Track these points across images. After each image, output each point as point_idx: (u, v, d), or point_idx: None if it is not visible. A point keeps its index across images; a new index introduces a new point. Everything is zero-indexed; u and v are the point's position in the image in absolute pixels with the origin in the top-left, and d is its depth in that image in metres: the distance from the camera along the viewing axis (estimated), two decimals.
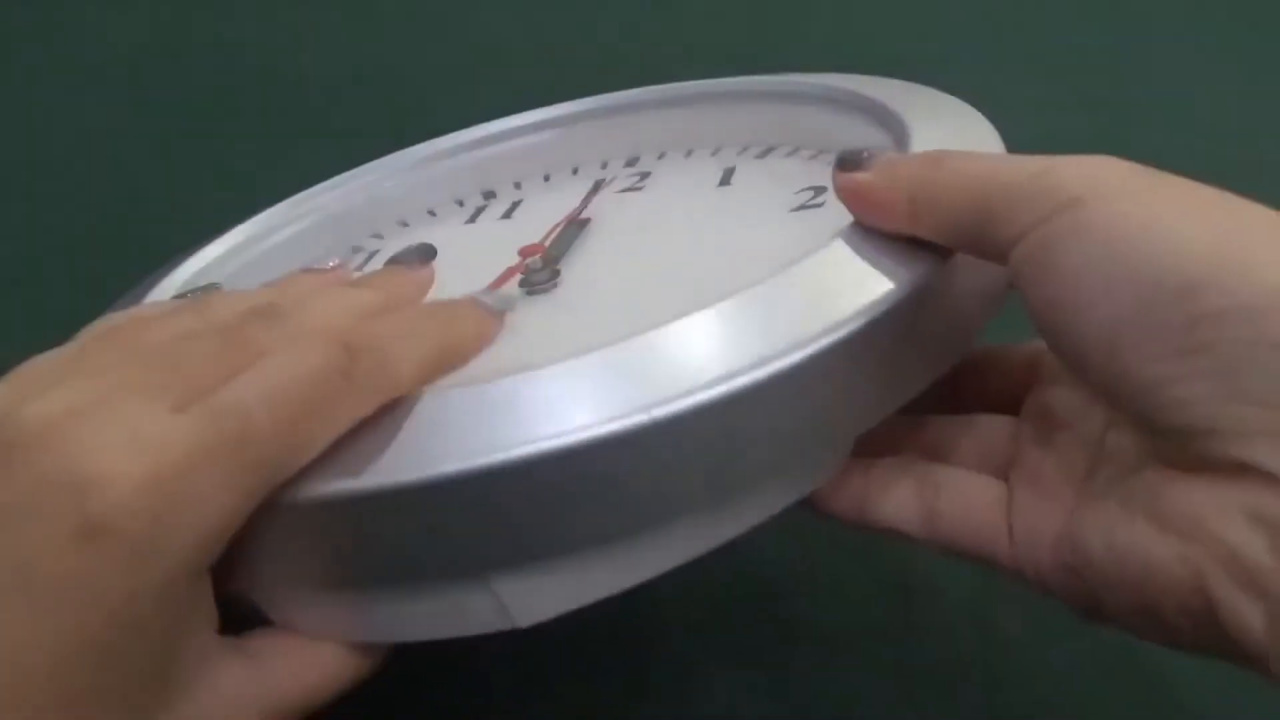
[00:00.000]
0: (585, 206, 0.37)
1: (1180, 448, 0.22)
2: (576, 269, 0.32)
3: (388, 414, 0.23)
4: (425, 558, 0.23)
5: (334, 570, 0.24)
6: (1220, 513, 0.21)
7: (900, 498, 0.28)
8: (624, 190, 0.38)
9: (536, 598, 0.24)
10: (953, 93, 0.35)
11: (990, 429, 0.29)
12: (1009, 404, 0.29)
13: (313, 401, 0.22)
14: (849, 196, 0.27)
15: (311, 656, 0.25)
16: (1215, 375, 0.20)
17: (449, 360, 0.26)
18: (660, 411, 0.22)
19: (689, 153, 0.41)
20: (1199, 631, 0.21)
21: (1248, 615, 0.20)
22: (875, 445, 0.28)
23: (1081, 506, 0.25)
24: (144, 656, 0.22)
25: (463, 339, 0.27)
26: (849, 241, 0.26)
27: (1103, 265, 0.22)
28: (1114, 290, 0.21)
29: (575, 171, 0.42)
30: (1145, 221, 0.22)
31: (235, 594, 0.24)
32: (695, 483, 0.23)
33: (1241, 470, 0.20)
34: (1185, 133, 0.51)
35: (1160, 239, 0.21)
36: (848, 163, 0.27)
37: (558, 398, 0.22)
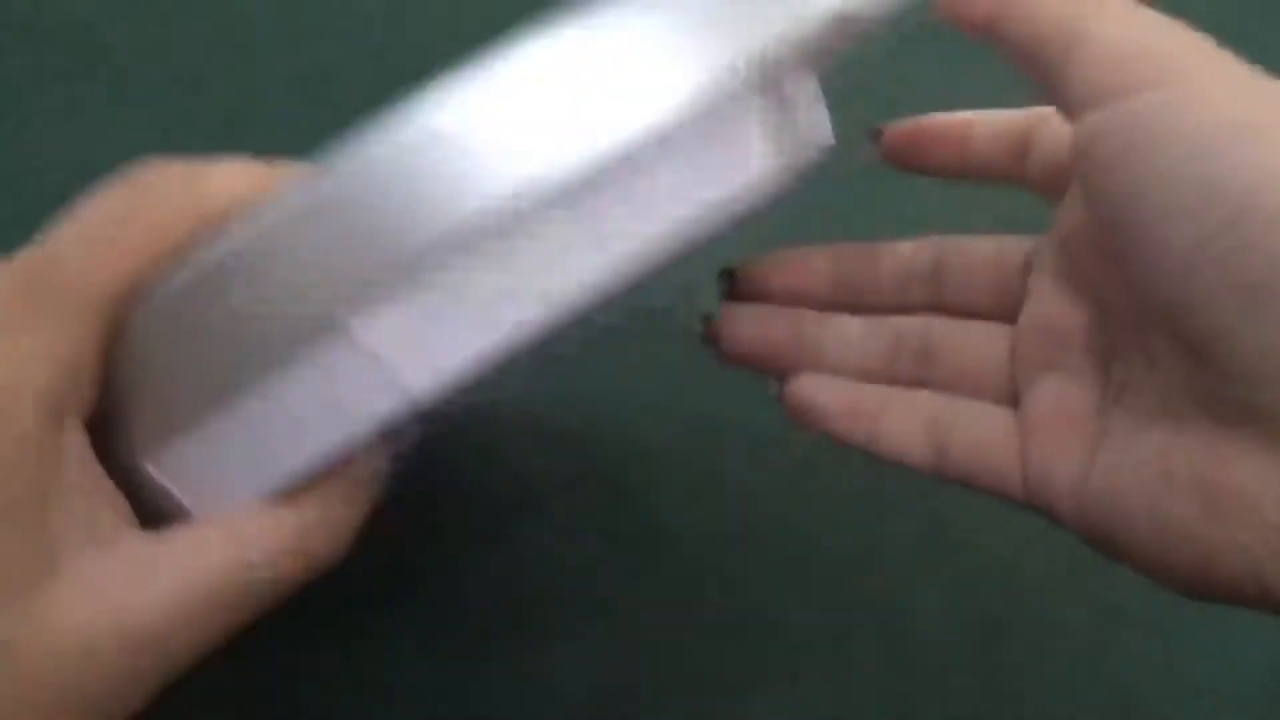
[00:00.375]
0: None
1: (1245, 401, 0.19)
2: None
3: None
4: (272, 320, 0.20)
5: (190, 386, 0.21)
6: (1262, 480, 0.19)
7: (909, 432, 0.25)
8: None
9: (418, 350, 0.20)
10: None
11: (988, 343, 0.26)
12: (1006, 309, 0.26)
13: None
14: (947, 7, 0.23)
15: (227, 528, 0.21)
16: (1257, 261, 0.18)
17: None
18: None
19: None
20: (1248, 602, 0.20)
21: None
22: (871, 355, 0.27)
23: (1105, 453, 0.22)
24: (11, 529, 0.19)
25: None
26: None
27: (1186, 171, 0.19)
28: (1199, 205, 0.19)
29: None
30: (1237, 122, 0.19)
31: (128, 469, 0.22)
32: None
33: None
34: None
35: (1256, 148, 0.19)
36: None
37: None
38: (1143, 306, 0.22)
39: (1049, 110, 0.25)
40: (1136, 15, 0.21)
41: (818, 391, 0.26)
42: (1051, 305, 0.25)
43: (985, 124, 0.26)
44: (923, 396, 0.26)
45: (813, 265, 0.28)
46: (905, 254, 0.27)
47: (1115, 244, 0.21)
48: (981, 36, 0.23)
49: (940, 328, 0.27)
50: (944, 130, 0.27)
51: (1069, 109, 0.22)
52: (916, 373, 0.26)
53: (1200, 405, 0.20)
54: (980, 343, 0.26)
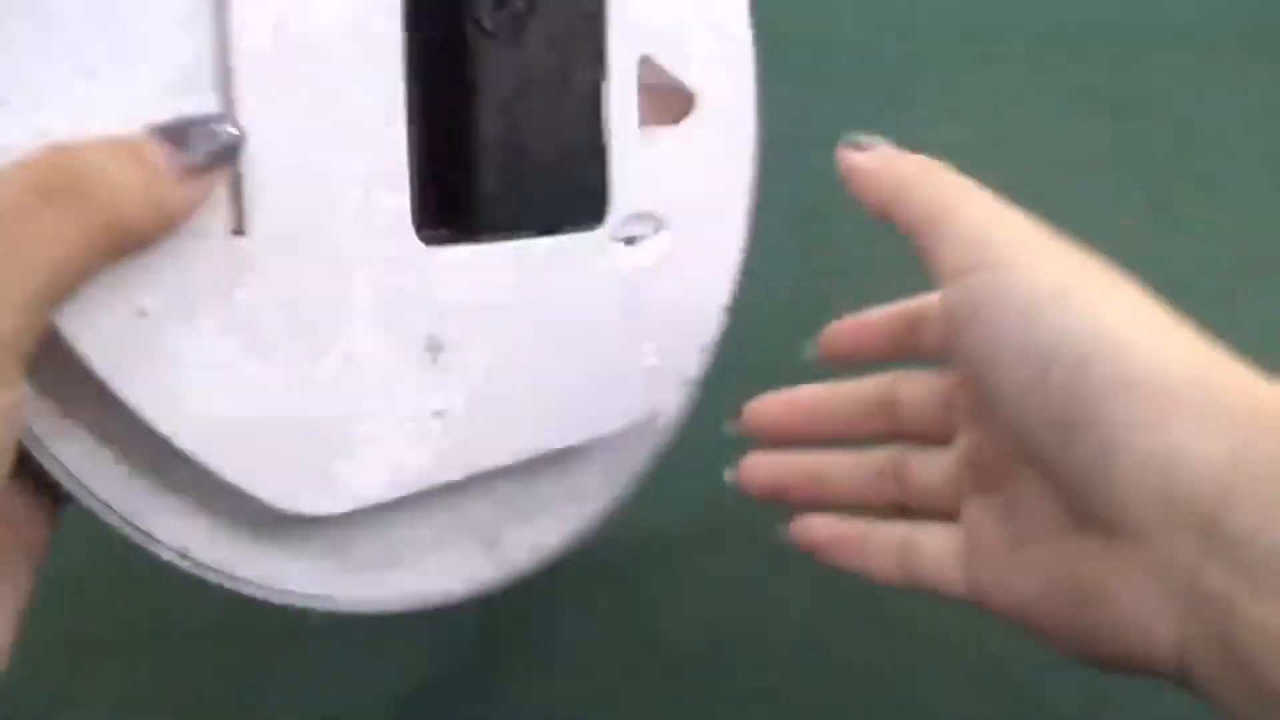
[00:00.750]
0: None
1: (1082, 513, 0.25)
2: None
3: None
4: None
5: None
6: (1126, 577, 0.24)
7: (884, 553, 0.32)
8: None
9: None
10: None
11: (929, 471, 0.32)
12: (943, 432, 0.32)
13: None
14: (846, 172, 0.30)
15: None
16: (1098, 449, 0.24)
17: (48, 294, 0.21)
18: None
19: None
20: (1152, 676, 0.24)
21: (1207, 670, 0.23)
22: (862, 483, 0.33)
23: (1014, 563, 0.28)
24: None
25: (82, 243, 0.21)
26: None
27: (1011, 331, 0.25)
28: (1021, 356, 0.25)
29: None
30: (1051, 291, 0.25)
31: None
32: None
33: (1138, 537, 0.23)
34: (1185, 133, 0.51)
35: (1060, 311, 0.25)
36: (852, 143, 0.31)
37: None
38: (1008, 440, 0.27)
39: (933, 296, 0.32)
40: (986, 207, 0.28)
41: (813, 529, 0.33)
42: (967, 437, 0.31)
43: (878, 315, 0.34)
44: (894, 525, 0.32)
45: (795, 405, 0.35)
46: (866, 391, 0.34)
47: (977, 392, 0.27)
48: (881, 218, 0.30)
49: (907, 456, 0.33)
50: (850, 334, 0.34)
51: (939, 281, 0.28)
52: (897, 495, 0.33)
53: (1063, 519, 0.26)
54: (936, 468, 0.32)
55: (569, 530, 0.34)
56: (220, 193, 0.23)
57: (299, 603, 0.28)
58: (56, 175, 0.20)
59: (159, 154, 0.22)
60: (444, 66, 0.27)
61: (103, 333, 0.22)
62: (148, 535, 0.25)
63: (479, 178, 0.28)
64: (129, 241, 0.21)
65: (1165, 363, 0.23)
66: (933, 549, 0.31)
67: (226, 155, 0.23)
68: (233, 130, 0.23)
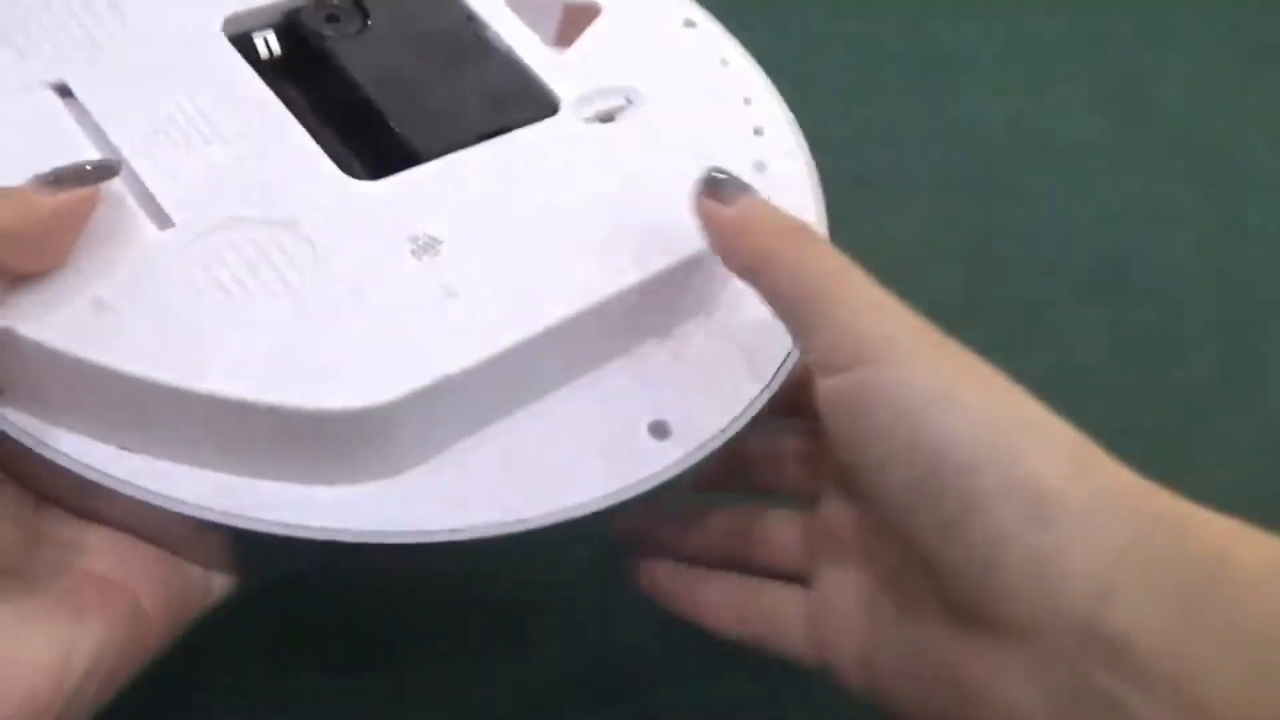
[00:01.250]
0: None
1: (961, 604, 0.25)
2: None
3: None
4: None
5: None
6: (1006, 675, 0.24)
7: (722, 606, 0.31)
8: None
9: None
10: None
11: (783, 531, 0.31)
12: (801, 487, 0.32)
13: None
14: (704, 223, 0.29)
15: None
16: (982, 547, 0.24)
17: None
18: None
19: None
20: None
21: None
22: (692, 541, 0.32)
23: (876, 638, 0.28)
24: None
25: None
26: None
27: (896, 433, 0.25)
28: (907, 457, 0.25)
29: None
30: (934, 394, 0.25)
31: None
32: None
33: (1021, 635, 0.24)
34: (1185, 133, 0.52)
35: (946, 415, 0.24)
36: (713, 187, 0.29)
37: None
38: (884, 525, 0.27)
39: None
40: (860, 296, 0.26)
41: (656, 573, 0.33)
42: (833, 506, 0.30)
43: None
44: (732, 578, 0.32)
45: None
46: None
47: (855, 479, 0.27)
48: (739, 275, 0.28)
49: (761, 512, 0.32)
50: None
51: (812, 365, 0.27)
52: (746, 554, 0.32)
53: (938, 607, 0.26)
54: (789, 530, 0.31)
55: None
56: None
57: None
58: None
59: (18, 184, 0.24)
60: (316, 70, 0.32)
61: (75, 326, 0.24)
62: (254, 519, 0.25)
63: (389, 120, 0.31)
64: (19, 248, 0.23)
65: (1052, 465, 0.24)
66: (772, 606, 0.30)
67: (83, 175, 0.25)
68: (105, 163, 0.26)
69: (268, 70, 0.31)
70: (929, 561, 0.25)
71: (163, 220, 0.27)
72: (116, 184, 0.26)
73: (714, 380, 0.30)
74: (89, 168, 0.25)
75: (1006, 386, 0.25)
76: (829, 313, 0.26)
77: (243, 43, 0.31)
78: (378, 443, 0.26)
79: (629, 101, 0.34)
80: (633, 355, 0.30)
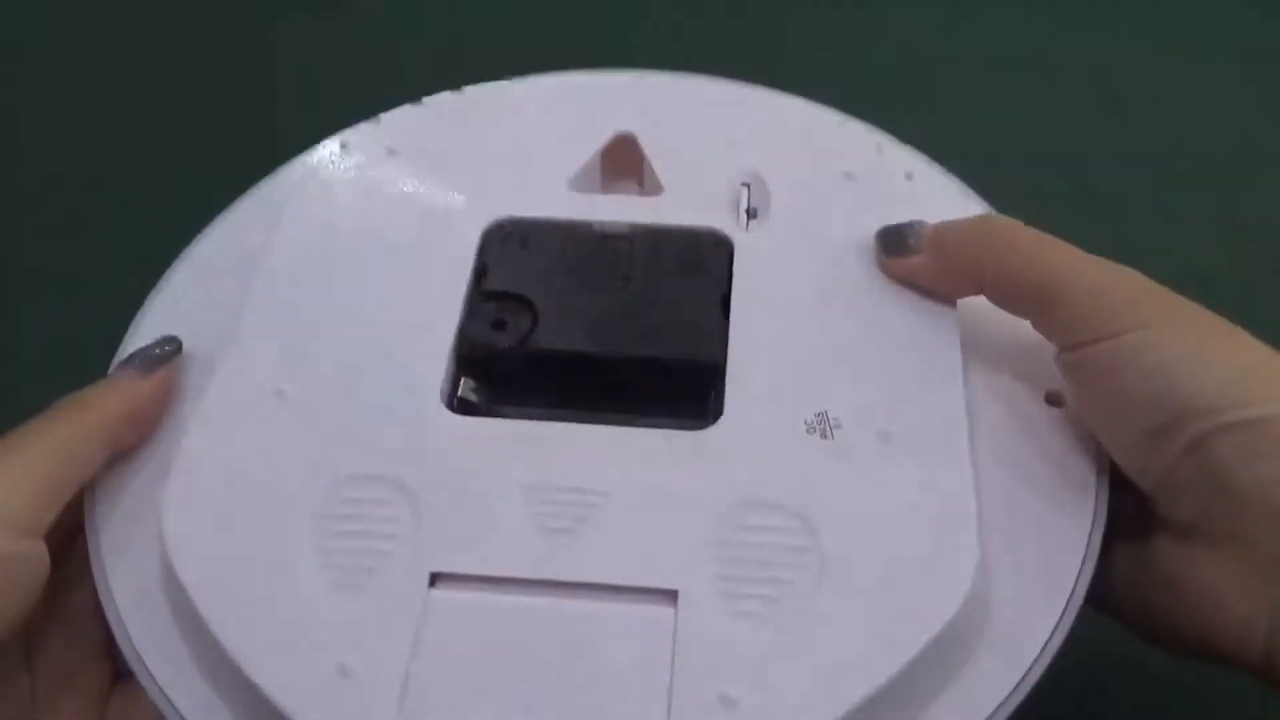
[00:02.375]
0: None
1: (1186, 528, 0.27)
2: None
3: None
4: None
5: None
6: (1227, 576, 0.26)
7: None
8: None
9: None
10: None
11: None
12: None
13: None
14: (904, 278, 0.31)
15: None
16: (1212, 472, 0.26)
17: (67, 473, 0.28)
18: None
19: None
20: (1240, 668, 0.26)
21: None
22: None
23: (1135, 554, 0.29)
24: None
25: (85, 434, 0.28)
26: None
27: (1138, 390, 0.27)
28: (1145, 411, 0.27)
29: None
30: (1181, 353, 0.26)
31: None
32: None
33: (1246, 541, 0.26)
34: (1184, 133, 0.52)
35: (1194, 371, 0.26)
36: (893, 246, 0.31)
37: None
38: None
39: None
40: (1100, 270, 0.28)
41: None
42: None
43: None
44: None
45: None
46: None
47: (1094, 427, 0.29)
48: (977, 293, 0.30)
49: None
50: None
51: (1054, 344, 0.28)
52: None
53: (1153, 521, 0.28)
54: None
55: None
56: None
57: None
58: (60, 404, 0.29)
59: (116, 373, 0.30)
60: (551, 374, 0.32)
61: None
62: None
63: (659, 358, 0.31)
64: (110, 427, 0.29)
65: None
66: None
67: (161, 357, 0.31)
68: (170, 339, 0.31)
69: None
70: (1156, 498, 0.27)
71: None
72: None
73: None
74: (159, 351, 0.31)
75: (1252, 345, 0.27)
76: (1071, 290, 0.28)
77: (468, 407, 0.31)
78: None
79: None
80: None
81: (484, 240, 0.33)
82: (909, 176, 0.34)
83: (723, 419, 0.29)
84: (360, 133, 0.36)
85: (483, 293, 0.32)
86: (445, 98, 0.37)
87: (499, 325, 0.31)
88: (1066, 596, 0.27)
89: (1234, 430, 0.25)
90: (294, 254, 0.32)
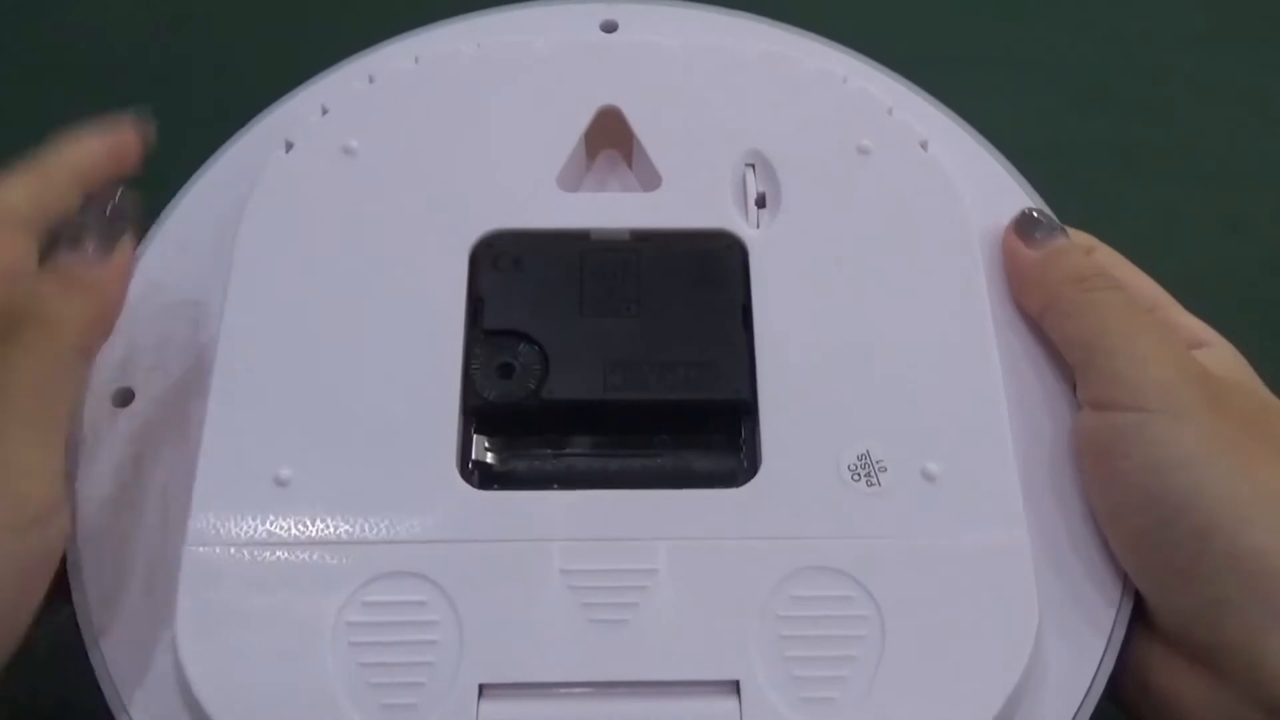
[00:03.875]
0: None
1: (1177, 640, 0.26)
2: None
3: None
4: None
5: None
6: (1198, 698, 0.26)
7: None
8: None
9: None
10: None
11: None
12: None
13: None
14: (1006, 259, 0.30)
15: None
16: (1201, 606, 0.25)
17: (57, 418, 0.25)
18: None
19: None
20: None
21: None
22: None
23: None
24: None
25: (61, 363, 0.26)
26: None
27: (1141, 482, 0.26)
28: (1145, 507, 0.26)
29: None
30: (1188, 455, 0.25)
31: None
32: None
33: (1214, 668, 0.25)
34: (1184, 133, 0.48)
35: (1193, 478, 0.25)
36: (1024, 227, 0.30)
37: None
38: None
39: None
40: (1150, 351, 0.27)
41: None
42: None
43: None
44: None
45: None
46: None
47: (1094, 508, 0.27)
48: (1038, 321, 0.30)
49: None
50: None
51: (1082, 397, 0.28)
52: None
53: (1146, 622, 0.27)
54: None
55: None
56: None
57: None
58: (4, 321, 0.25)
59: (69, 261, 0.27)
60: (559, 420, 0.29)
61: None
62: None
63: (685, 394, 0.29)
64: (79, 338, 0.26)
65: (1277, 541, 0.24)
66: None
67: (114, 229, 0.27)
68: (116, 202, 0.28)
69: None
70: (1149, 600, 0.26)
71: None
72: None
73: None
74: (111, 217, 0.27)
75: (1268, 457, 0.25)
76: (1108, 358, 0.27)
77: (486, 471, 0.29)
78: None
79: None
80: None
81: (473, 262, 0.30)
82: (924, 145, 0.31)
83: (762, 471, 0.27)
84: (307, 129, 0.32)
85: (482, 331, 0.29)
86: (397, 72, 0.33)
87: (506, 371, 0.29)
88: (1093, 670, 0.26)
89: (1237, 560, 0.24)
90: (257, 304, 0.29)
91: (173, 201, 0.32)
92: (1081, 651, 0.26)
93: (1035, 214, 0.31)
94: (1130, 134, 0.44)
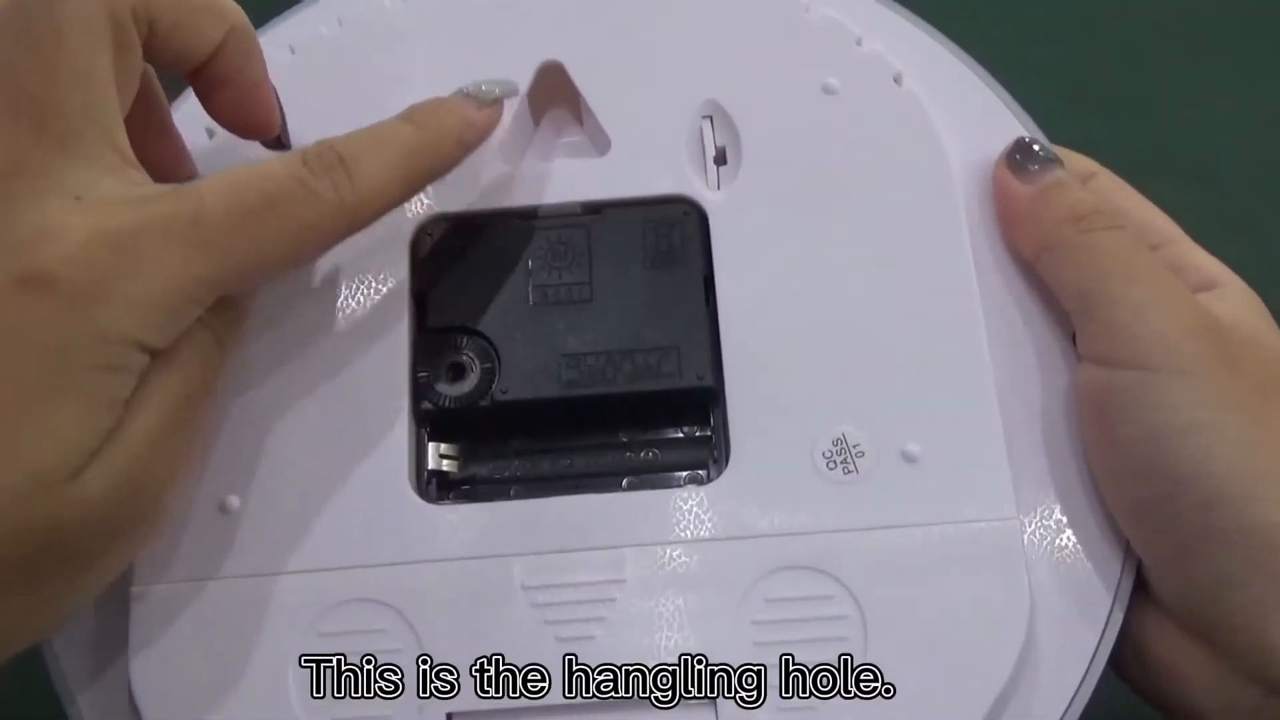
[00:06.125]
0: None
1: (1172, 610, 0.25)
2: None
3: None
4: None
5: None
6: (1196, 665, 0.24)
7: None
8: None
9: None
10: None
11: None
12: None
13: (266, 198, 0.22)
14: (997, 194, 0.28)
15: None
16: (1205, 581, 0.23)
17: (423, 163, 0.24)
18: None
19: None
20: None
21: None
22: None
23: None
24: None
25: (439, 138, 0.25)
26: None
27: (1143, 450, 0.24)
28: (1147, 476, 0.24)
29: None
30: (1192, 421, 0.23)
31: None
32: None
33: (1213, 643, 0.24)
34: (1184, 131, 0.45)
35: (1198, 446, 0.23)
36: (1017, 159, 0.27)
37: None
38: None
39: None
40: (1152, 298, 0.24)
41: None
42: None
43: None
44: None
45: None
46: None
47: (1094, 469, 0.26)
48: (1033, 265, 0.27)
49: None
50: None
51: (1082, 351, 0.26)
52: None
53: (1155, 599, 0.25)
54: None
55: None
56: None
57: None
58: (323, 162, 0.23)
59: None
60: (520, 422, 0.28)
61: None
62: None
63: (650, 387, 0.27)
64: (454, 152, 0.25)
65: None
66: None
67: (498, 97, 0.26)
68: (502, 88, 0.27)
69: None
70: (1150, 571, 0.25)
71: None
72: None
73: None
74: (497, 89, 0.26)
75: (1275, 418, 0.23)
76: (1108, 308, 0.25)
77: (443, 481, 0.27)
78: None
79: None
80: None
81: (413, 251, 0.28)
82: (899, 80, 0.29)
83: (731, 464, 0.25)
84: None
85: (428, 329, 0.27)
86: (320, 39, 0.30)
87: (456, 372, 0.27)
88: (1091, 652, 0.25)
89: (1245, 535, 0.23)
90: None
91: None
92: (1075, 641, 0.25)
93: (1029, 144, 0.28)
94: (1130, 134, 0.42)
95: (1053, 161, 0.27)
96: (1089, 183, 0.28)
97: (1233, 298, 0.26)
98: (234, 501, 0.25)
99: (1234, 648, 0.23)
